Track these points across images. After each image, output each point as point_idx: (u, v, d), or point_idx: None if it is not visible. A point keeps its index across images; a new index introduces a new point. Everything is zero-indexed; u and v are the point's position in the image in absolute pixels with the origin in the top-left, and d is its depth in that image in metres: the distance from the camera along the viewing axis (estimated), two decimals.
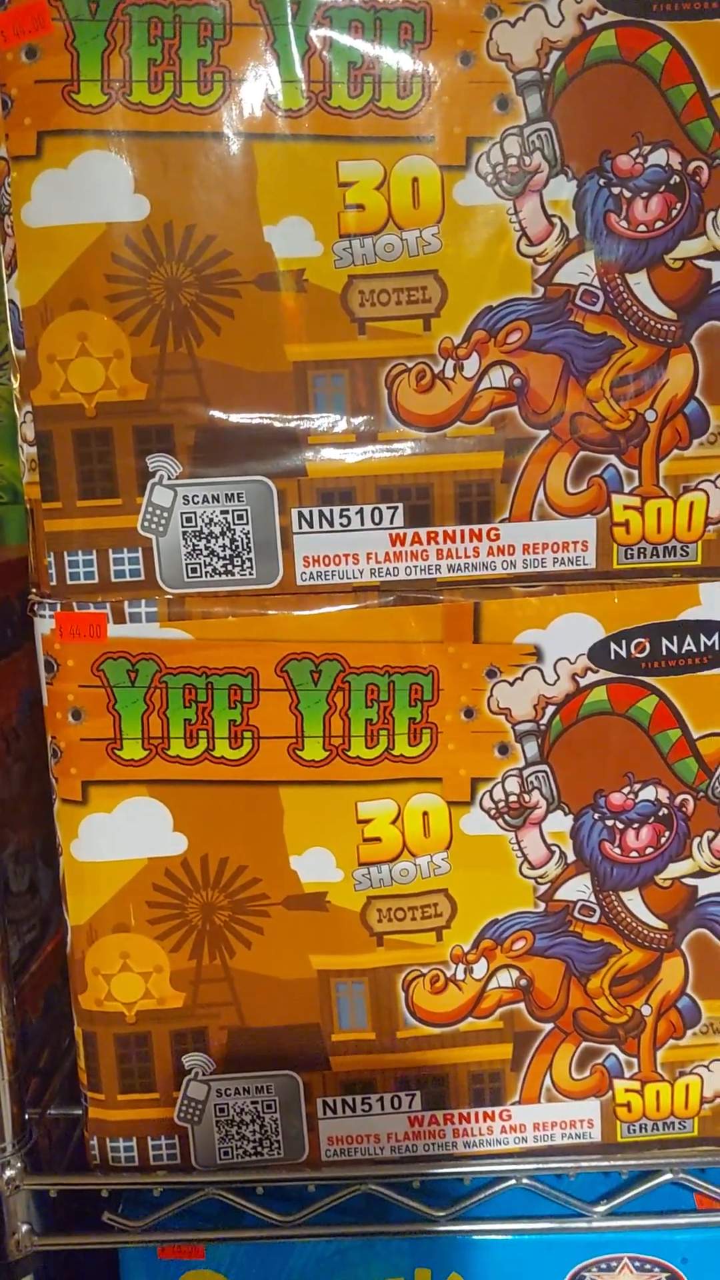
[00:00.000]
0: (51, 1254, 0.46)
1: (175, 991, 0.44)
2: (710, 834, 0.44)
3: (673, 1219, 0.45)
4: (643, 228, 0.40)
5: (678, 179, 0.40)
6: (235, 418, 0.41)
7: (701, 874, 0.44)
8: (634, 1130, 0.45)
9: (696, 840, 0.44)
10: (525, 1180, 0.45)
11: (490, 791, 0.43)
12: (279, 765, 0.43)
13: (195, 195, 0.40)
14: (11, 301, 0.41)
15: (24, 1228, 0.44)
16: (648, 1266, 0.46)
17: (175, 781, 0.43)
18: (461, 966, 0.44)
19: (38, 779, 0.49)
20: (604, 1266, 0.46)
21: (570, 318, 0.41)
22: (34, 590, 0.43)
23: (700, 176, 0.40)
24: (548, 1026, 0.45)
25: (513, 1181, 0.45)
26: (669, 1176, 0.45)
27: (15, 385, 0.41)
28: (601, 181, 0.40)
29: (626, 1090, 0.45)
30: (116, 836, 0.43)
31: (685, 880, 0.44)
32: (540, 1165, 0.45)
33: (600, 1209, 0.44)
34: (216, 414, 0.41)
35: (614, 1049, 0.45)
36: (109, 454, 0.41)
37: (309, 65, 0.39)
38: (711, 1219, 0.45)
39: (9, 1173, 0.44)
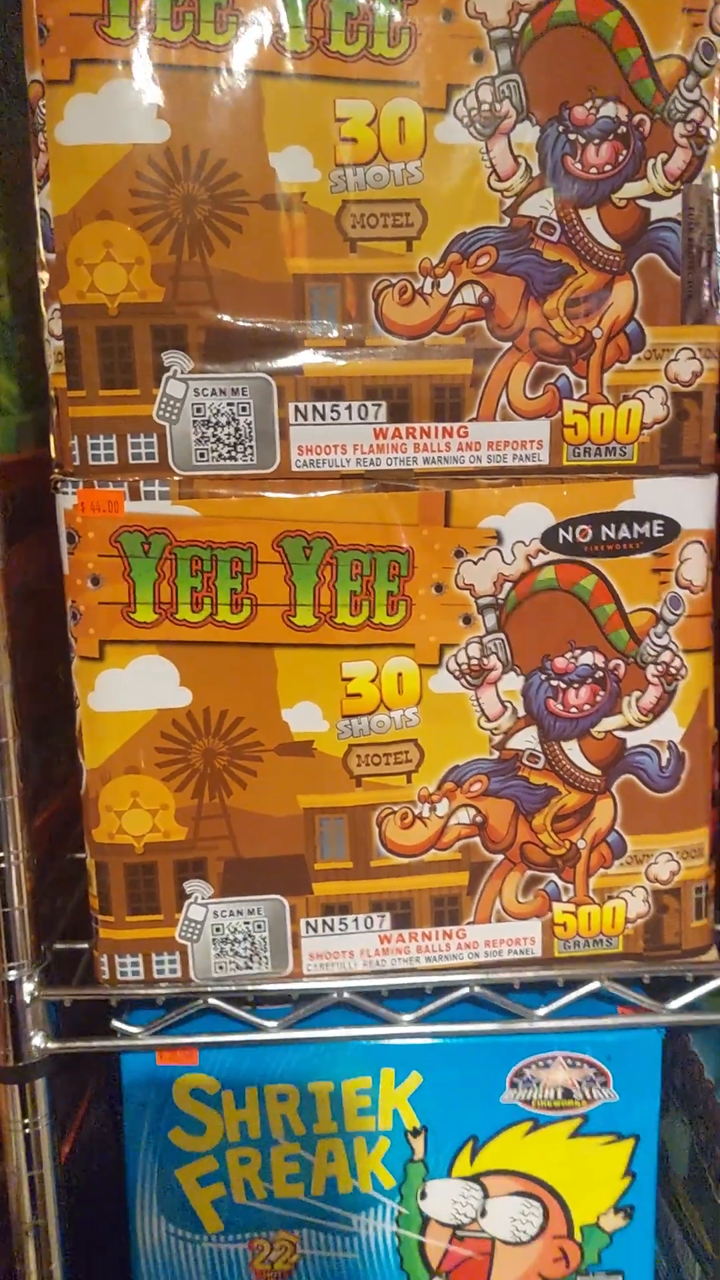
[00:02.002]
0: (62, 1064, 0.54)
1: (179, 826, 0.51)
2: (638, 694, 0.53)
3: (600, 1021, 0.55)
4: (594, 170, 0.48)
5: (624, 129, 0.48)
6: (241, 321, 0.48)
7: (630, 728, 0.53)
8: (569, 946, 0.55)
9: (626, 699, 0.53)
10: (477, 988, 0.54)
11: (455, 656, 0.52)
12: (274, 629, 0.51)
13: (210, 123, 0.47)
14: (43, 210, 0.47)
15: (39, 1034, 0.52)
16: (578, 1063, 0.55)
17: (182, 642, 0.50)
18: (427, 805, 0.53)
19: (20, 671, 0.55)
20: (542, 1064, 0.55)
21: (531, 245, 0.49)
22: (58, 469, 0.49)
23: (643, 128, 0.48)
24: (499, 858, 0.54)
25: (466, 990, 0.54)
26: (597, 985, 0.54)
27: (44, 286, 0.48)
28: (560, 128, 0.48)
29: (563, 912, 0.54)
30: (129, 689, 0.50)
31: (616, 733, 0.53)
32: (490, 977, 0.54)
33: (540, 1012, 0.54)
34: (225, 317, 0.48)
35: (554, 877, 0.54)
36: (129, 349, 0.48)
37: (312, 13, 0.46)
38: (631, 1021, 0.55)
39: (28, 986, 0.52)
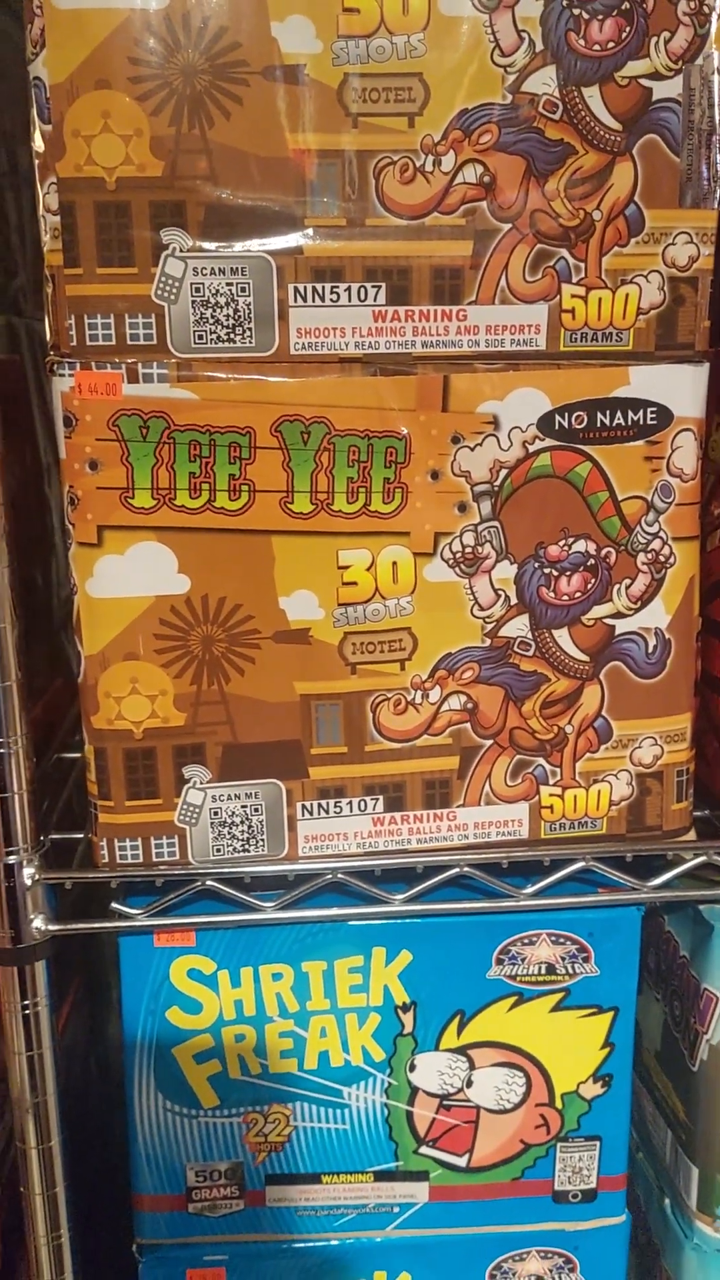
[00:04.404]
0: (63, 948, 0.57)
1: (178, 712, 0.54)
2: (628, 581, 0.56)
3: (583, 899, 0.59)
4: (597, 47, 0.50)
5: (628, 5, 0.50)
6: (241, 198, 0.49)
7: (619, 615, 0.56)
8: (555, 828, 0.58)
9: (616, 587, 0.56)
10: (467, 868, 0.57)
11: (449, 544, 0.54)
12: (272, 516, 0.53)
13: None
14: (38, 79, 0.47)
15: (40, 918, 0.55)
16: (561, 940, 0.59)
17: (180, 529, 0.52)
18: (420, 692, 0.56)
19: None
20: (527, 941, 0.59)
21: (534, 124, 0.50)
22: (54, 351, 0.50)
23: (647, 4, 0.50)
24: (488, 743, 0.57)
25: (456, 870, 0.57)
26: (582, 865, 0.58)
27: (38, 159, 0.48)
28: (564, 2, 0.49)
29: (550, 795, 0.58)
30: (127, 575, 0.52)
31: (606, 620, 0.56)
32: (479, 857, 0.58)
33: (526, 891, 0.58)
34: (224, 193, 0.49)
35: (542, 761, 0.57)
36: (127, 225, 0.49)
37: None
38: (613, 899, 0.59)
39: (29, 869, 0.54)
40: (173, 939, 0.57)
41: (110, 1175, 0.64)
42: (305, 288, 0.50)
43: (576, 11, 0.49)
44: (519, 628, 0.56)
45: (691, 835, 0.61)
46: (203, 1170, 0.60)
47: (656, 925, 0.68)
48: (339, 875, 0.56)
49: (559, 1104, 0.62)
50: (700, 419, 0.55)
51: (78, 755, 0.65)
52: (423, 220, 0.50)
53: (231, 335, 0.50)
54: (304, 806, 0.56)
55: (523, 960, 0.59)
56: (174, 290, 0.50)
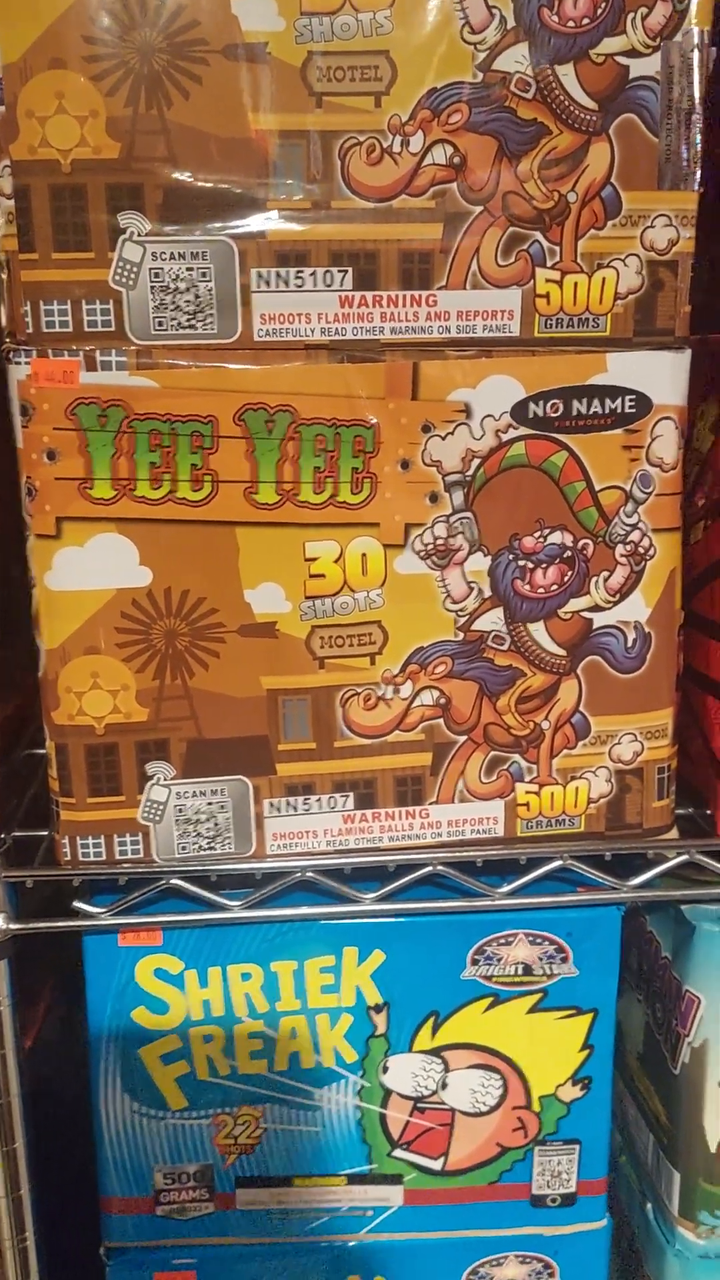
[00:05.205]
0: (37, 948, 0.56)
1: (140, 707, 0.53)
2: (605, 574, 0.55)
3: (560, 898, 0.58)
4: (571, 24, 0.49)
5: None
6: (201, 180, 0.48)
7: (597, 608, 0.56)
8: (532, 826, 0.58)
9: (594, 579, 0.55)
10: (440, 866, 0.57)
11: (421, 535, 0.54)
12: (236, 507, 0.52)
13: None
14: None
15: (0, 916, 0.54)
16: (539, 940, 0.59)
17: (142, 520, 0.52)
18: (390, 687, 0.55)
19: None
20: (503, 941, 0.59)
21: (505, 103, 0.49)
22: (9, 338, 0.50)
23: None
24: (462, 738, 0.56)
25: (430, 868, 0.57)
26: (559, 863, 0.58)
27: None
28: None
29: (526, 792, 0.57)
30: (87, 568, 0.52)
31: (583, 614, 0.56)
32: (453, 855, 0.57)
33: (502, 890, 0.57)
34: (184, 175, 0.48)
35: (517, 757, 0.57)
36: (83, 209, 0.48)
37: None
38: (591, 898, 0.58)
39: None
40: (138, 938, 0.57)
41: (86, 1177, 0.64)
42: (269, 272, 0.50)
43: None
44: (493, 621, 0.55)
45: (674, 834, 0.60)
46: (171, 1173, 0.60)
47: (639, 925, 0.67)
48: (308, 874, 0.56)
49: (537, 1107, 0.61)
50: (681, 407, 0.54)
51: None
52: (390, 203, 0.50)
53: (192, 321, 0.50)
54: (271, 804, 0.55)
55: (499, 960, 0.59)
56: (132, 275, 0.49)
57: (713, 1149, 0.61)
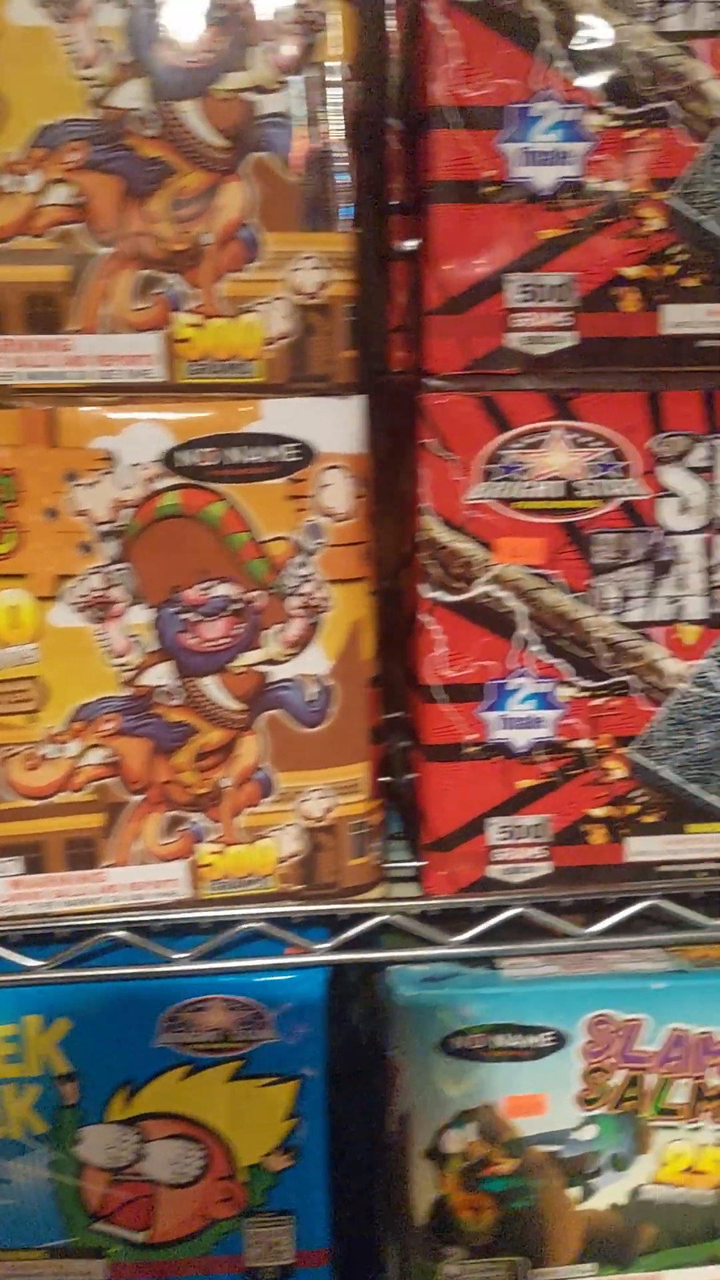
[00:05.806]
0: None
1: None
2: (279, 626, 0.53)
3: (250, 962, 0.56)
4: (188, 58, 0.47)
5: (223, 12, 0.47)
6: None
7: (272, 662, 0.54)
8: (219, 887, 0.56)
9: (267, 632, 0.53)
10: (117, 932, 0.55)
11: (74, 587, 0.52)
12: None
13: None
14: None
15: None
16: (235, 1005, 0.57)
17: None
18: (54, 746, 0.53)
19: None
20: (196, 1007, 0.56)
21: (125, 140, 0.47)
22: None
23: (245, 11, 0.47)
24: (137, 798, 0.54)
25: (104, 933, 0.55)
26: (246, 926, 0.56)
27: None
28: (149, 12, 0.46)
29: (210, 852, 0.55)
30: None
31: (258, 668, 0.54)
32: (129, 919, 0.55)
33: (182, 955, 0.55)
34: None
35: (198, 816, 0.55)
36: None
37: None
38: (284, 962, 0.56)
39: None
40: None
41: None
42: None
43: (163, 21, 0.47)
44: (161, 675, 0.53)
45: (379, 891, 0.58)
46: None
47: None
48: None
49: (243, 1177, 0.59)
50: (354, 454, 0.52)
51: None
52: (8, 244, 0.48)
53: None
54: None
55: (193, 1027, 0.57)
56: None
57: (418, 1223, 0.59)
